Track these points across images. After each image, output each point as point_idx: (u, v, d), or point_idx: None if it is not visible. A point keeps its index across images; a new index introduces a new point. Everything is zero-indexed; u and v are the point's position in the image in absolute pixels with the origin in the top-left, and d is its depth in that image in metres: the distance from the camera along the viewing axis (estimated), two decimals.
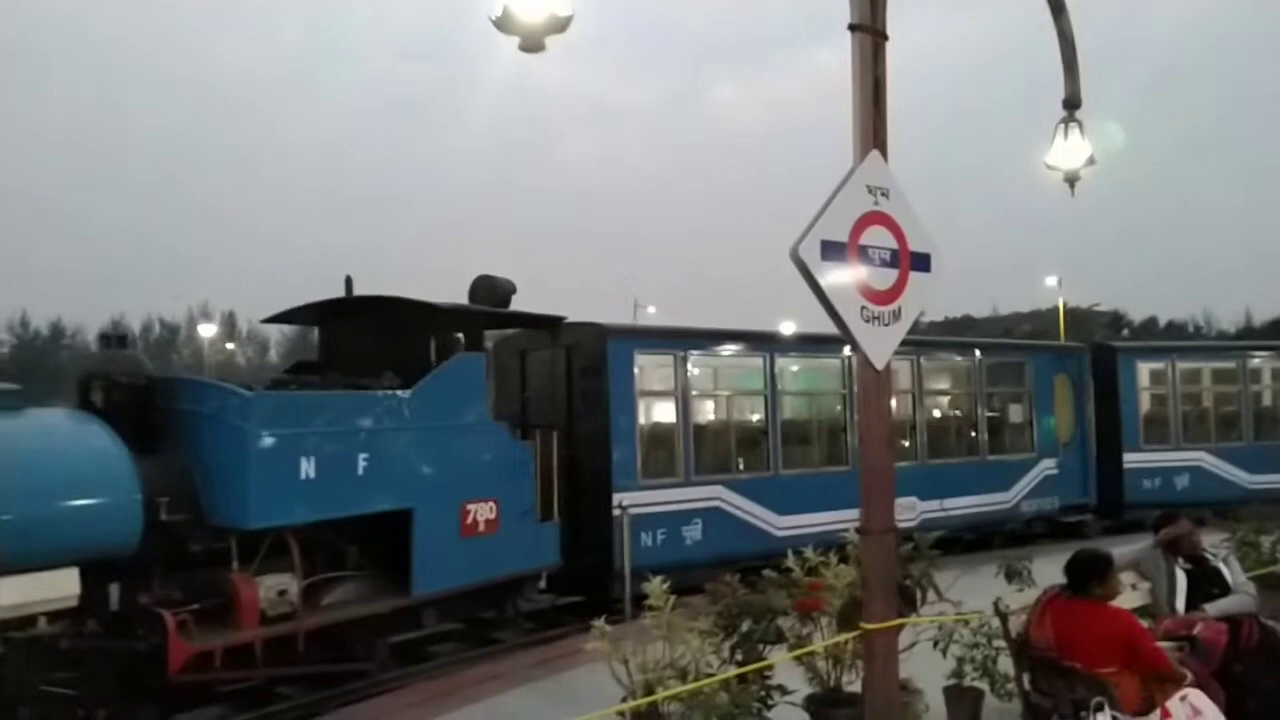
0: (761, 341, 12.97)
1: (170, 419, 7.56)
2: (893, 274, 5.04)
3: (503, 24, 3.90)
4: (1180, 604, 5.87)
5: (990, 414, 15.46)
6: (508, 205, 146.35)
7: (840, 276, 4.76)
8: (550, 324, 10.48)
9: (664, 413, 11.94)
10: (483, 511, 9.03)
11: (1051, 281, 43.35)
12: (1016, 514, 15.27)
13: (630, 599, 10.05)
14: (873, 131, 4.88)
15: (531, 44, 3.95)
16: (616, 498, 10.84)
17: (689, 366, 11.93)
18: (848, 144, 4.85)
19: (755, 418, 12.96)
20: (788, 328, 16.75)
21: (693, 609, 5.23)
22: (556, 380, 11.33)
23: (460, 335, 9.23)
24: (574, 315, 10.93)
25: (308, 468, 7.61)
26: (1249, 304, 79.51)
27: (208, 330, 63.70)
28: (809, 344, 13.25)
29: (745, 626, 5.13)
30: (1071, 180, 6.27)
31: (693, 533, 11.52)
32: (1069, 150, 6.22)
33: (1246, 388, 17.65)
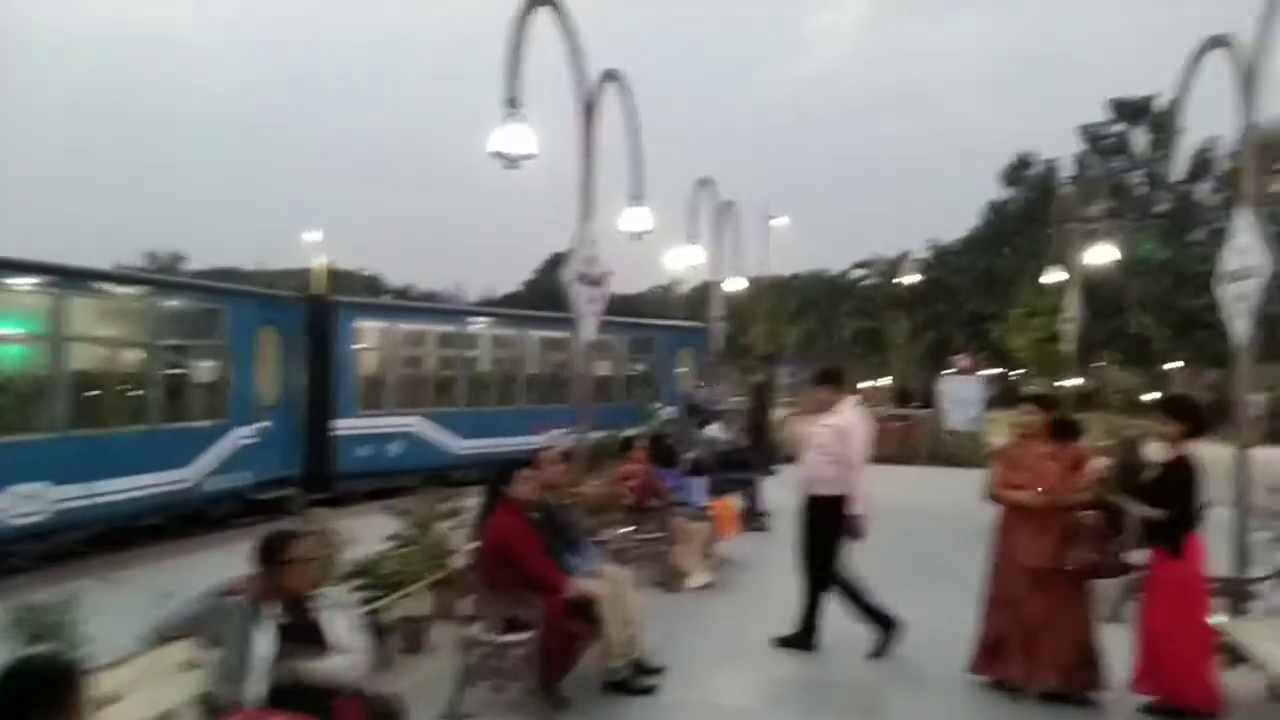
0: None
1: None
2: None
3: None
4: (260, 685, 3.52)
5: (170, 370, 12.24)
6: None
7: None
8: None
9: None
10: None
11: (313, 237, 41.07)
12: (199, 494, 12.36)
13: None
14: None
15: None
16: None
17: None
18: None
19: None
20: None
21: None
22: None
23: None
24: None
25: None
26: (500, 276, 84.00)
27: None
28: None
29: None
30: None
31: None
32: None
33: (466, 352, 17.45)
